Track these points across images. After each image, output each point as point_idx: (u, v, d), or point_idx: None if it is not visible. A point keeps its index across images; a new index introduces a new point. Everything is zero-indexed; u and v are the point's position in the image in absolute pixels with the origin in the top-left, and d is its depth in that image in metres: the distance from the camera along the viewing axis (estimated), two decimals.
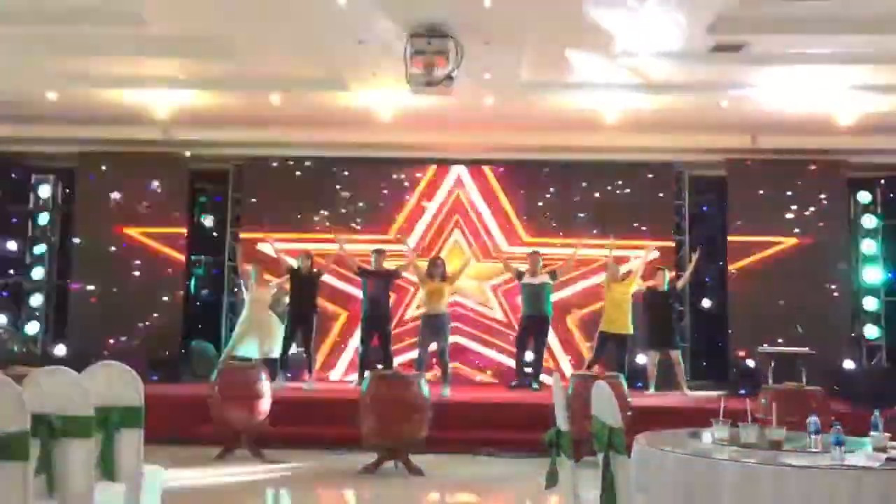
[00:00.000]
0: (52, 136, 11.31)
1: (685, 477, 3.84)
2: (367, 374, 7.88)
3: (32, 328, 11.58)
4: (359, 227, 11.64)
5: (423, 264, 10.34)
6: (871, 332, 11.26)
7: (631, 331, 10.14)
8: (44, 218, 11.90)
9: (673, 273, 11.02)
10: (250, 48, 8.41)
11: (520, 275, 10.54)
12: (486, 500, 6.89)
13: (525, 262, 10.68)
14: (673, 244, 11.58)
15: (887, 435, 4.17)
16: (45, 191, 11.91)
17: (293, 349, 10.42)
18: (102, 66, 9.07)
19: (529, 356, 10.52)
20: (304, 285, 10.31)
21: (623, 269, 10.76)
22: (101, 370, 4.38)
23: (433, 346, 10.04)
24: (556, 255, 11.10)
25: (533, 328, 10.43)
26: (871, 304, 11.30)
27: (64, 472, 3.79)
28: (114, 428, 4.26)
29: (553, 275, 10.52)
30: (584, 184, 11.76)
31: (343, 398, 8.63)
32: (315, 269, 10.42)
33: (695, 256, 10.67)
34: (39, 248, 11.83)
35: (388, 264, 10.50)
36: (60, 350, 11.02)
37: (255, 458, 7.75)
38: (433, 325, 10.00)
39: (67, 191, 12.03)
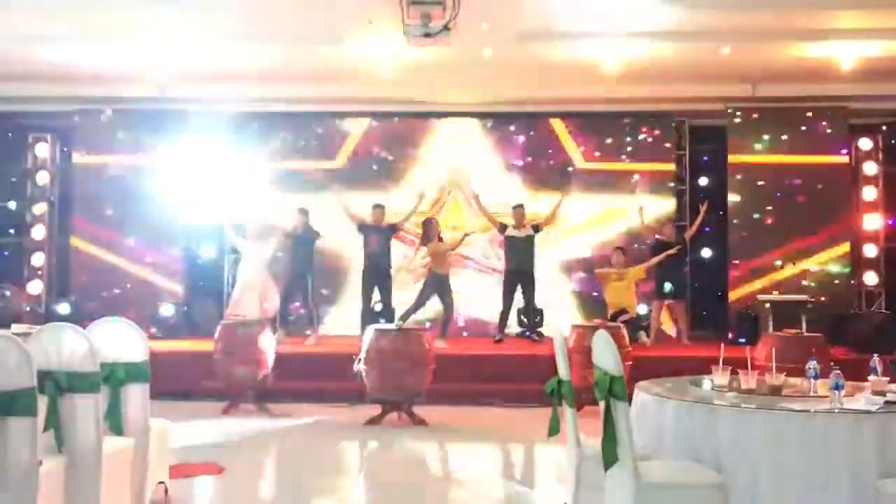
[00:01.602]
0: (48, 95, 11.19)
1: (685, 423, 3.88)
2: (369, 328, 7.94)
3: (35, 287, 11.60)
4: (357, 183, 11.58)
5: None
6: (871, 278, 11.28)
7: (636, 312, 10.16)
8: (42, 177, 11.82)
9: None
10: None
11: (503, 227, 10.45)
12: (489, 449, 6.97)
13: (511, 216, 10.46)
14: (674, 195, 11.56)
15: (885, 379, 4.22)
16: (42, 150, 11.84)
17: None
18: (98, 21, 8.92)
19: (515, 310, 10.51)
20: (301, 243, 10.31)
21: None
22: (105, 326, 4.43)
23: (437, 303, 10.08)
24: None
25: (518, 281, 10.34)
26: (871, 251, 11.30)
27: (72, 428, 3.85)
28: (120, 383, 4.32)
29: (536, 228, 10.42)
30: (584, 136, 11.68)
31: (346, 352, 8.69)
32: (312, 227, 10.39)
33: (703, 208, 10.66)
34: (39, 208, 11.80)
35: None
36: (64, 308, 11.04)
37: (261, 413, 7.85)
38: (438, 285, 10.05)
39: (65, 149, 11.98)
